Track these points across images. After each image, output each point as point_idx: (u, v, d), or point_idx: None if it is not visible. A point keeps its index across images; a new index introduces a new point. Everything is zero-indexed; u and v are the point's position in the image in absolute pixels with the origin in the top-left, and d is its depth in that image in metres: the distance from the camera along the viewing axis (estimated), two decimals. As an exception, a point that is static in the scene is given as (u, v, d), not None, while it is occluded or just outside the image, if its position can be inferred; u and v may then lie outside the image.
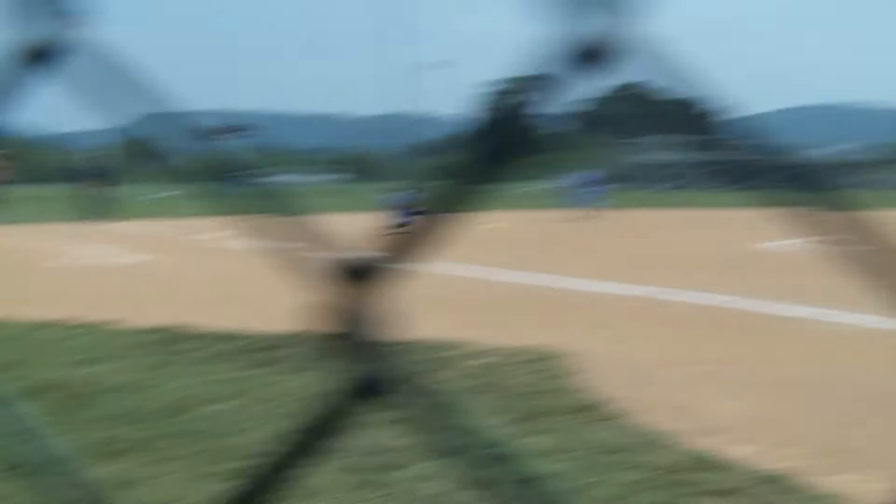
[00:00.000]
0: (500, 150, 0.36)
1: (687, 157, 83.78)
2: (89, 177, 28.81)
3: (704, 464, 4.51)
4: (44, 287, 11.61)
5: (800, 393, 6.06)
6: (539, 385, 6.20)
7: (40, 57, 0.43)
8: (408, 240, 0.37)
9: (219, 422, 5.22)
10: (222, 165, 0.48)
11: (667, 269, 13.82)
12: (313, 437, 0.38)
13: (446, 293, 10.00)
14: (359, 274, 0.38)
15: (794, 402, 5.85)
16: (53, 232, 22.37)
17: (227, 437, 4.94)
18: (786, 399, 5.93)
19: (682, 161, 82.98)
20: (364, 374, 0.37)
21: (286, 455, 0.39)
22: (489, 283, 11.65)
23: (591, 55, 0.35)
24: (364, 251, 0.39)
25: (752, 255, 16.35)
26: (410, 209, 21.55)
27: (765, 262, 15.03)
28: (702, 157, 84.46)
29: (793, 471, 4.41)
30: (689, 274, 12.99)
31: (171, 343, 7.52)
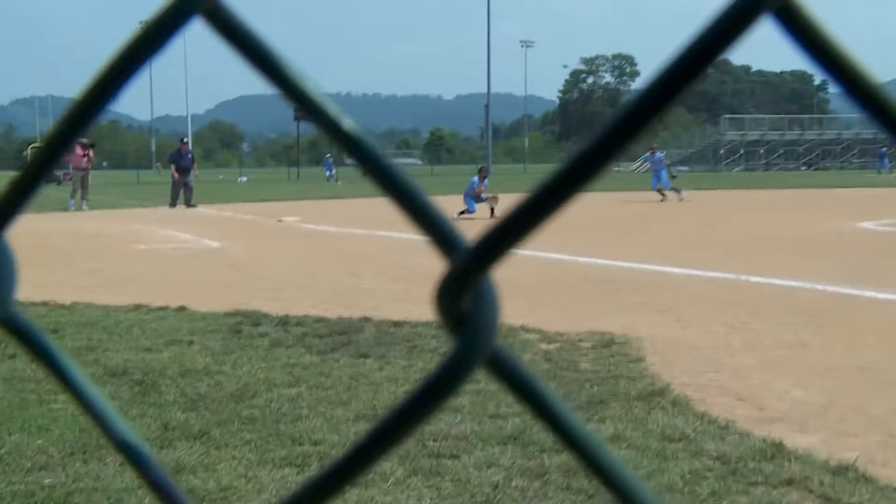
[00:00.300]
0: (595, 130, 0.35)
1: (774, 136, 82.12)
2: (171, 162, 29.26)
3: (767, 453, 4.43)
4: (121, 272, 11.85)
5: (873, 380, 5.89)
6: (604, 371, 6.15)
7: (166, 28, 0.41)
8: (505, 223, 0.36)
9: (281, 409, 5.27)
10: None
11: (741, 251, 13.59)
12: (408, 415, 0.38)
13: (513, 275, 9.95)
14: (461, 254, 0.38)
15: (865, 389, 5.69)
16: (134, 217, 22.89)
17: (288, 423, 4.98)
18: (857, 386, 5.77)
19: (767, 140, 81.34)
20: (465, 353, 0.37)
21: (375, 437, 0.38)
22: (555, 266, 11.57)
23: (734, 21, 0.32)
24: (461, 234, 0.39)
25: (832, 236, 15.98)
26: (476, 196, 21.51)
27: (847, 244, 14.65)
28: (795, 135, 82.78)
29: (856, 461, 4.30)
30: (765, 256, 12.75)
31: (241, 328, 7.63)
